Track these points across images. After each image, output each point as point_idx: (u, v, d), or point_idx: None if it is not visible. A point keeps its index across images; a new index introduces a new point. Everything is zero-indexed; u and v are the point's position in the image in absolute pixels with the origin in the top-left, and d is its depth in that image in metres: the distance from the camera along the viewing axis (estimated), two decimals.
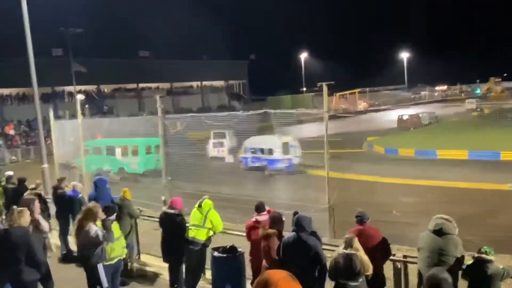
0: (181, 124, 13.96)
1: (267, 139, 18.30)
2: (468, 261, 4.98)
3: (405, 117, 40.63)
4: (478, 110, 49.20)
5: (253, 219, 6.47)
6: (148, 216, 10.66)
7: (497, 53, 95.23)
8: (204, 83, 68.06)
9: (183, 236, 7.06)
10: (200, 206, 7.02)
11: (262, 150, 18.62)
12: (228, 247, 6.52)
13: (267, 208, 6.46)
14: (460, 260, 4.86)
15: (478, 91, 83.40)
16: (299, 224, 5.19)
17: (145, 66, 57.56)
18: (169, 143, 13.33)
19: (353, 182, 18.53)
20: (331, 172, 10.47)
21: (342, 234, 5.34)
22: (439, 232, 4.94)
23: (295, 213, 6.05)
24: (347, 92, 71.92)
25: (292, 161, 17.83)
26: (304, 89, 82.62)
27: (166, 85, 63.72)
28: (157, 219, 7.74)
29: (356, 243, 4.92)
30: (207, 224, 6.94)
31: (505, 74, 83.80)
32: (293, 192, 11.65)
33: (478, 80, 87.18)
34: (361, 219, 5.71)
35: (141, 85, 60.93)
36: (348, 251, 4.83)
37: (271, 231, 5.65)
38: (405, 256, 7.39)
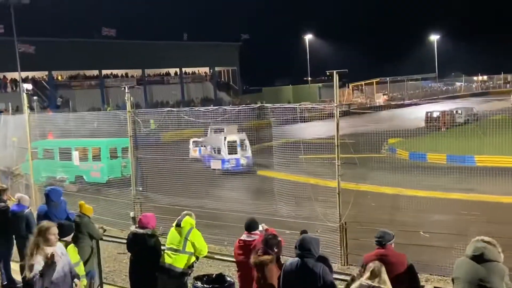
0: (155, 121, 13.93)
1: (216, 137, 21.02)
2: None
3: (435, 114, 40.73)
4: None
5: (239, 239, 6.54)
6: (113, 237, 10.60)
7: None
8: (185, 70, 68.06)
9: (157, 262, 7.02)
10: (179, 225, 6.98)
11: (214, 149, 21.01)
12: (214, 276, 6.49)
13: (263, 227, 6.44)
14: None
15: None
16: (305, 247, 5.17)
17: (110, 47, 57.44)
18: (140, 145, 13.29)
19: (370, 195, 18.51)
20: (343, 182, 10.48)
21: (356, 260, 5.33)
22: (480, 258, 4.92)
23: (303, 232, 6.04)
24: (363, 82, 72.42)
25: (239, 161, 20.13)
26: (309, 78, 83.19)
27: (136, 72, 63.64)
28: (125, 241, 7.69)
29: (384, 274, 4.87)
30: (188, 248, 6.91)
31: None
32: (296, 207, 11.62)
33: None
34: (382, 241, 5.71)
35: (105, 71, 60.80)
36: (375, 283, 4.76)
37: (265, 258, 5.62)
38: None
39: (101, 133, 17.53)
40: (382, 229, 5.92)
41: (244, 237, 6.52)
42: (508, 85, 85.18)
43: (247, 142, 21.04)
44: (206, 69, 71.74)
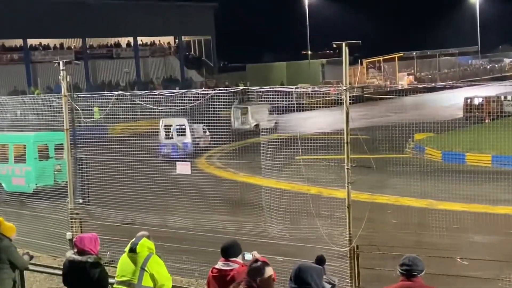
0: (101, 109, 13.87)
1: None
2: None
3: (476, 101, 41.17)
4: None
5: (213, 267, 6.56)
6: (43, 266, 10.56)
7: None
8: (141, 39, 67.74)
9: None
10: (133, 250, 6.96)
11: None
12: None
13: (254, 255, 6.40)
14: None
15: None
16: (303, 280, 5.18)
17: (38, 7, 56.89)
18: (81, 142, 13.22)
19: (390, 209, 18.62)
20: (355, 192, 10.53)
21: None
22: None
23: (319, 259, 6.05)
24: (381, 58, 72.74)
25: (175, 146, 23.75)
26: (309, 53, 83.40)
27: (75, 42, 63.19)
28: (59, 271, 7.66)
29: None
30: (146, 282, 6.89)
31: None
32: (291, 225, 11.69)
33: None
34: (411, 271, 5.75)
35: (31, 41, 60.30)
36: None
37: None
38: None
39: (26, 125, 17.41)
40: (411, 254, 5.96)
41: (219, 265, 6.52)
42: None
43: (187, 128, 25.23)
44: (170, 39, 71.46)
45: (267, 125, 23.53)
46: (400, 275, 5.83)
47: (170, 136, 25.76)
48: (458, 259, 12.71)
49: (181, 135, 25.43)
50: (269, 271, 5.80)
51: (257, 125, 31.97)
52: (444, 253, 13.04)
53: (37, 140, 20.35)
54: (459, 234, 15.63)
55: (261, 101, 12.53)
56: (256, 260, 5.97)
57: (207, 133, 25.51)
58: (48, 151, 20.32)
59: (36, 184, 19.15)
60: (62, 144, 17.09)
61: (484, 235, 15.89)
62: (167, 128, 25.78)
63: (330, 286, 5.74)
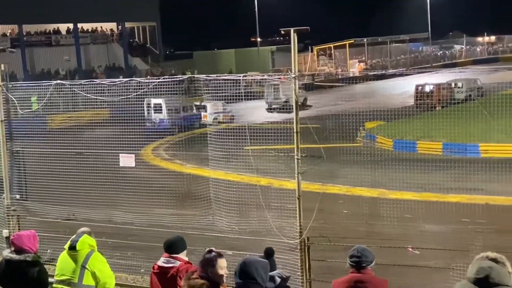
0: (39, 99, 13.59)
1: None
2: None
3: (427, 89, 41.86)
4: None
5: (155, 264, 6.54)
6: None
7: None
8: (82, 26, 66.65)
9: None
10: (73, 247, 6.86)
11: None
12: None
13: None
14: None
15: None
16: (248, 275, 5.18)
17: None
18: (17, 134, 12.96)
19: (341, 199, 18.84)
20: (305, 182, 10.58)
21: (324, 287, 5.41)
22: (485, 282, 5.05)
23: (267, 252, 6.05)
24: (332, 45, 73.27)
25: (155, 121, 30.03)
26: (259, 40, 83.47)
27: (10, 29, 61.79)
28: None
29: None
30: (87, 280, 6.82)
31: None
32: (240, 218, 11.69)
33: None
34: (359, 263, 5.79)
35: None
36: None
37: (199, 282, 5.60)
38: None
39: None
40: (360, 245, 6.01)
41: (161, 261, 6.49)
42: None
43: (164, 106, 31.32)
44: (113, 25, 70.49)
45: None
46: (350, 267, 5.86)
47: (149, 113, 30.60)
48: (410, 249, 12.92)
49: (158, 112, 31.25)
50: (221, 262, 5.80)
51: (286, 101, 35.77)
52: (395, 243, 13.23)
53: None
54: (410, 223, 15.90)
55: (209, 90, 12.41)
56: (210, 251, 5.96)
57: (228, 109, 29.81)
58: None
59: None
60: None
61: (436, 224, 16.21)
62: (148, 106, 29.88)
63: (280, 280, 5.75)
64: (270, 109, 36.03)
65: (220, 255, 5.87)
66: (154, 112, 31.35)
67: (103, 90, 13.40)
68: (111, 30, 70.29)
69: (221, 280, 5.83)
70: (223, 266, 5.79)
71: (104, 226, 11.73)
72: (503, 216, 16.50)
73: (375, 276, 5.85)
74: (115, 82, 12.81)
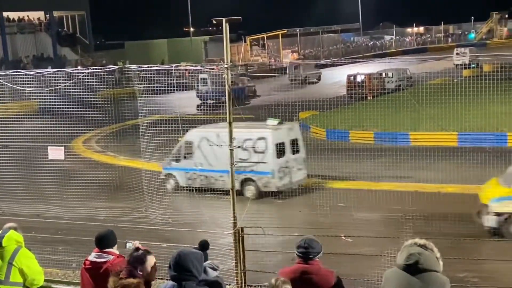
0: None
1: None
2: None
3: (359, 78, 42.52)
4: (473, 66, 52.80)
5: (86, 259, 6.46)
6: None
7: None
8: (7, 15, 64.80)
9: None
10: None
11: None
12: None
13: (135, 245, 6.26)
14: None
15: (472, 35, 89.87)
16: (183, 267, 5.13)
17: None
18: None
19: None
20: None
21: (257, 279, 5.41)
22: (414, 268, 5.16)
23: (202, 244, 6.01)
24: (265, 35, 73.55)
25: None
26: (191, 29, 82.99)
27: None
28: None
29: None
30: (14, 277, 6.66)
31: None
32: (174, 209, 11.63)
33: (472, 18, 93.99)
34: (306, 254, 5.80)
35: None
36: None
37: (130, 281, 5.53)
38: None
39: None
40: (308, 236, 6.00)
41: (92, 256, 6.39)
42: (449, 39, 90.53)
43: (208, 80, 36.42)
44: (40, 14, 68.83)
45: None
46: (297, 257, 5.86)
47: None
48: (343, 237, 13.08)
49: (204, 85, 36.91)
50: (151, 260, 5.75)
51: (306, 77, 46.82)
52: (329, 231, 13.38)
53: None
54: (343, 212, 16.14)
55: (140, 81, 12.26)
56: (137, 249, 5.89)
57: (251, 83, 40.09)
58: None
59: None
60: None
61: (368, 212, 16.49)
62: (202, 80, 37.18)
63: (214, 271, 5.73)
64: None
65: (148, 252, 5.83)
66: (201, 86, 36.69)
67: (31, 81, 13.06)
68: (39, 19, 68.62)
69: (153, 277, 5.79)
70: (152, 263, 5.76)
71: (33, 220, 11.46)
72: (432, 203, 16.92)
73: (322, 267, 5.87)
74: (42, 72, 12.47)
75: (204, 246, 6.46)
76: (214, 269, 5.79)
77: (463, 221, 14.58)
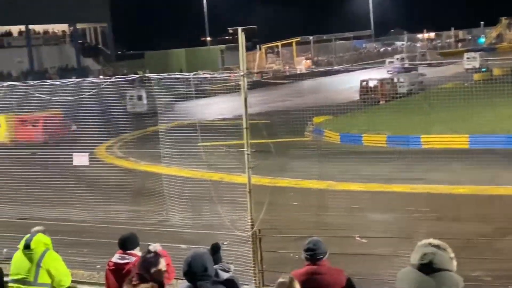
0: None
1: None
2: None
3: (371, 84, 42.37)
4: (483, 70, 52.49)
5: (110, 260, 6.52)
6: None
7: None
8: (34, 28, 65.33)
9: None
10: (27, 247, 6.73)
11: None
12: None
13: (156, 248, 6.25)
14: None
15: (482, 40, 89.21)
16: (198, 268, 5.16)
17: None
18: None
19: (291, 192, 18.91)
20: (256, 176, 10.59)
21: (275, 278, 5.41)
22: (428, 267, 5.15)
23: (214, 247, 6.05)
24: (279, 43, 73.59)
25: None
26: (208, 39, 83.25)
27: None
28: None
29: None
30: (42, 278, 6.71)
31: None
32: (193, 212, 11.64)
33: (482, 23, 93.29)
34: (314, 255, 5.80)
35: None
36: None
37: (143, 286, 5.54)
38: None
39: None
40: (313, 238, 6.00)
41: (115, 258, 6.44)
42: (459, 45, 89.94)
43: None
44: (65, 27, 69.34)
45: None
46: (305, 259, 5.86)
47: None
48: (357, 238, 13.06)
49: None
50: (162, 262, 5.74)
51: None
52: (343, 232, 13.37)
53: None
54: (357, 213, 16.08)
55: (160, 89, 12.34)
56: (148, 252, 5.87)
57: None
58: None
59: None
60: None
61: (381, 213, 16.41)
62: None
63: (226, 273, 5.72)
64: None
65: (160, 255, 5.82)
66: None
67: (56, 90, 13.19)
68: (63, 31, 69.24)
69: (165, 279, 5.80)
70: (164, 265, 5.76)
71: (59, 224, 11.54)
72: (444, 204, 16.83)
73: (331, 266, 5.88)
74: (67, 82, 12.61)
75: (214, 249, 6.46)
76: (225, 271, 5.79)
77: (475, 221, 14.51)
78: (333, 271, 5.82)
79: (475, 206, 16.12)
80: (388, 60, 63.27)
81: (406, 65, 55.12)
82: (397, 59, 61.54)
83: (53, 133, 20.00)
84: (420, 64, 54.93)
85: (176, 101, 13.28)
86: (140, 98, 33.05)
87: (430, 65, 54.23)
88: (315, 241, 5.90)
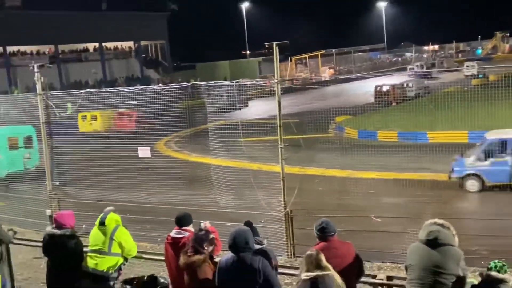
0: (73, 104, 13.53)
1: None
2: (473, 279, 5.20)
3: (384, 88, 41.93)
4: (481, 76, 51.54)
5: (168, 235, 6.52)
6: (26, 240, 10.24)
7: None
8: (105, 45, 66.32)
9: (79, 267, 6.84)
10: (102, 223, 6.82)
11: None
12: (146, 278, 6.41)
13: (206, 225, 6.30)
14: (462, 279, 5.06)
15: (479, 51, 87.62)
16: (240, 241, 5.19)
17: (16, 20, 54.82)
18: (55, 133, 12.90)
19: (317, 179, 18.88)
20: (288, 166, 10.58)
21: (304, 251, 5.38)
22: (434, 243, 5.11)
23: (246, 224, 6.07)
24: (307, 55, 73.31)
25: None
26: (248, 52, 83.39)
27: (48, 48, 61.30)
28: (40, 244, 7.44)
29: (325, 261, 4.97)
30: (114, 249, 6.78)
31: None
32: (236, 195, 11.68)
33: (479, 36, 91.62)
34: (324, 235, 5.72)
35: (11, 48, 58.23)
36: (317, 272, 4.86)
37: (196, 258, 5.57)
38: (389, 278, 7.66)
39: (9, 120, 16.87)
40: (323, 219, 5.92)
41: (173, 233, 6.47)
42: (460, 55, 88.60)
43: None
44: (131, 44, 70.23)
45: None
46: (318, 238, 5.79)
47: None
48: (373, 218, 12.96)
49: None
50: (212, 238, 5.80)
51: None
52: (361, 213, 13.29)
53: (7, 133, 19.87)
54: (373, 197, 15.99)
55: (209, 94, 12.43)
56: (200, 229, 5.94)
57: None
58: (17, 142, 19.88)
59: (8, 170, 18.61)
60: (31, 136, 16.74)
61: (393, 197, 16.29)
62: None
63: (258, 245, 5.72)
64: None
65: (209, 231, 5.87)
66: None
67: (125, 96, 13.37)
68: (129, 47, 70.14)
69: (214, 252, 5.85)
70: (213, 241, 5.80)
71: (127, 205, 11.71)
72: (447, 190, 16.64)
73: (339, 240, 5.81)
74: (133, 89, 12.79)
75: (247, 225, 6.46)
76: (258, 243, 5.79)
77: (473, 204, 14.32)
78: (343, 244, 5.74)
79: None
80: (409, 66, 62.45)
81: (425, 70, 54.60)
82: (417, 66, 60.74)
83: (140, 125, 20.41)
84: (437, 70, 54.45)
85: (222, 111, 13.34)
86: None
87: (439, 72, 53.65)
88: (326, 221, 5.78)
